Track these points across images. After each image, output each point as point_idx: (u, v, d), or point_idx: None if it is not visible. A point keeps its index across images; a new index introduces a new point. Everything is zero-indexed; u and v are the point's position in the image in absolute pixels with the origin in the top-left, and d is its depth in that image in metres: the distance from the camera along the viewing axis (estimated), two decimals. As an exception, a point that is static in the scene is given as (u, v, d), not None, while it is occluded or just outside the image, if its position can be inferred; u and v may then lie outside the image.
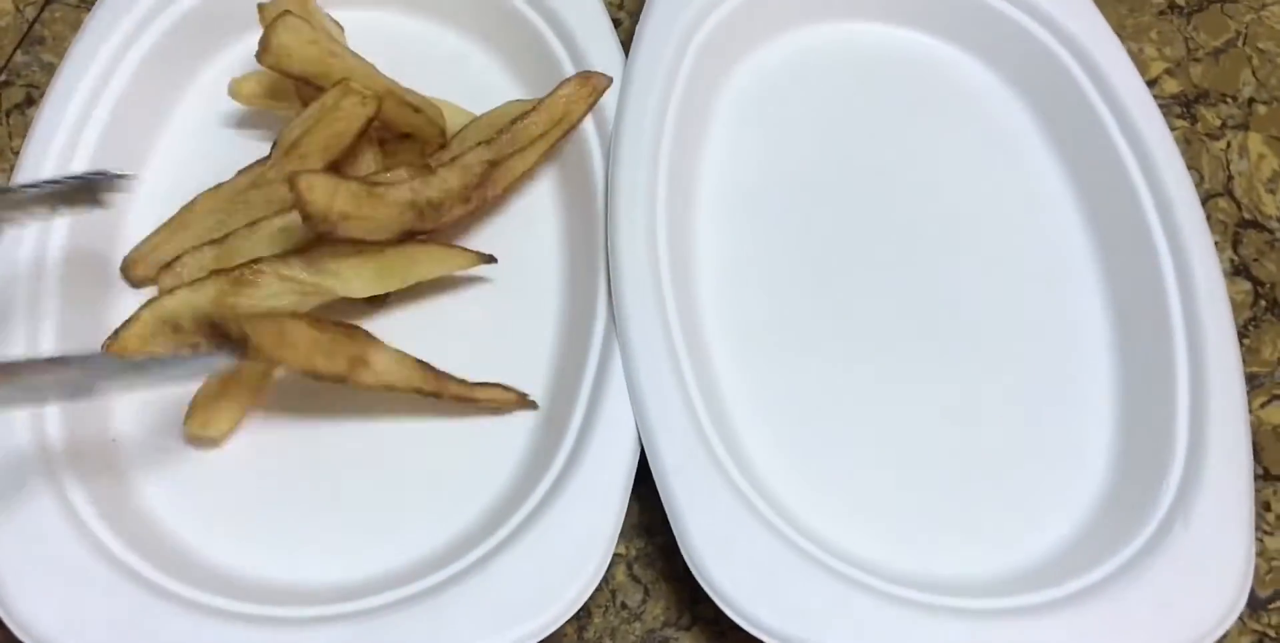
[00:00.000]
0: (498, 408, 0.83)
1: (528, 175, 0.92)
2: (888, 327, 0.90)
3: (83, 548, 0.72)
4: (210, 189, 0.88)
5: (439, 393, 0.81)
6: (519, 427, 0.83)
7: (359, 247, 0.83)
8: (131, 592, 0.71)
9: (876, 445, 0.85)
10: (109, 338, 0.80)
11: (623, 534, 0.81)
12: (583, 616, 0.80)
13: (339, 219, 0.79)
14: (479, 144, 0.88)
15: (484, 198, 0.88)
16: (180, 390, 0.81)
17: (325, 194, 0.78)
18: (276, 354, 0.74)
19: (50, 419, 0.77)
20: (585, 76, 0.92)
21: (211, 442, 0.81)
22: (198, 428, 0.80)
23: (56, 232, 0.83)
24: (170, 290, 0.81)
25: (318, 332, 0.77)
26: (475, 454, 0.82)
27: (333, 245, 0.82)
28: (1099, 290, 0.93)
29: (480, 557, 0.74)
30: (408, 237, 0.85)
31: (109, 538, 0.73)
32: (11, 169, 0.88)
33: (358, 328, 0.81)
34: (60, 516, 0.73)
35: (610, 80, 0.92)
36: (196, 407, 0.80)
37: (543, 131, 0.90)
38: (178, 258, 0.83)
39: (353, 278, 0.83)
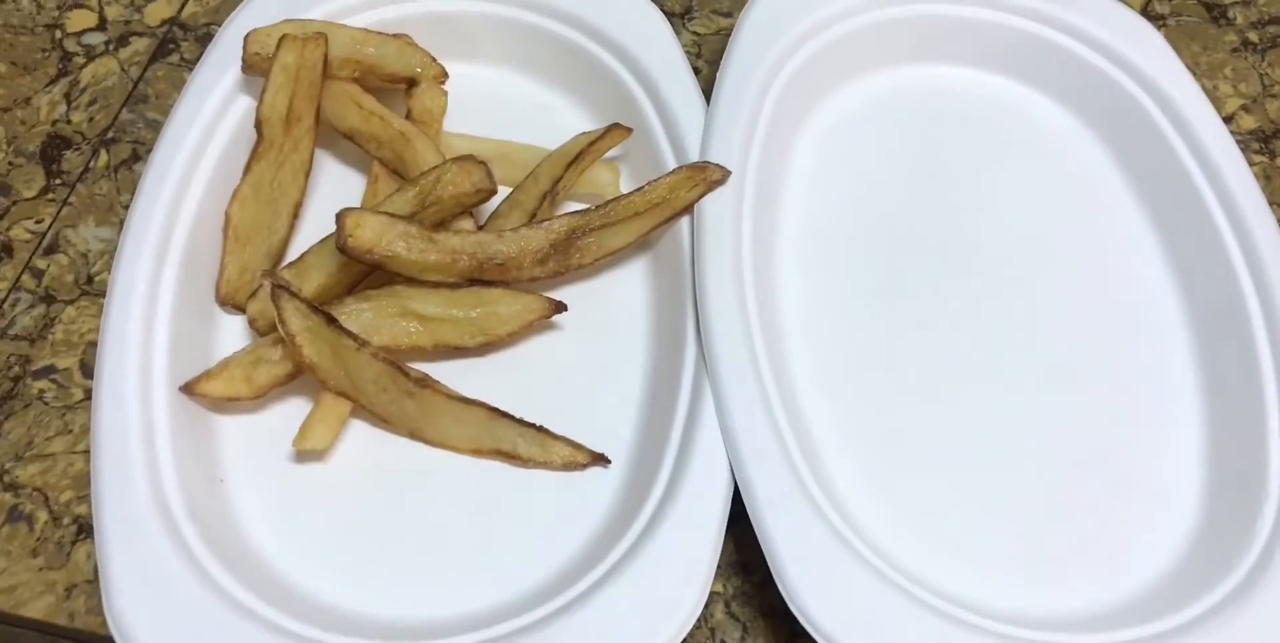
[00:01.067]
0: (570, 465, 0.85)
1: (621, 253, 0.92)
2: (973, 364, 0.91)
3: (200, 588, 0.75)
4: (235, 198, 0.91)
5: (506, 459, 0.85)
6: (613, 467, 0.85)
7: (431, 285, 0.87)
8: (247, 628, 0.74)
9: (966, 482, 0.86)
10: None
11: (720, 572, 0.83)
12: (685, 653, 0.81)
13: (384, 258, 0.83)
14: (571, 214, 0.90)
15: (567, 265, 0.90)
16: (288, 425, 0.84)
17: (374, 232, 0.83)
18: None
19: (165, 464, 0.80)
20: (700, 167, 0.91)
21: (316, 454, 0.85)
22: (301, 443, 0.83)
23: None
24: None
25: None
26: (570, 493, 0.84)
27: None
28: (1184, 327, 0.93)
29: (576, 596, 0.76)
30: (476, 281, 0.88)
31: (224, 578, 0.76)
32: (120, 223, 0.92)
33: (425, 377, 0.85)
34: (178, 558, 0.76)
35: (727, 174, 0.91)
36: (303, 426, 0.83)
37: (639, 211, 0.91)
38: (262, 287, 0.87)
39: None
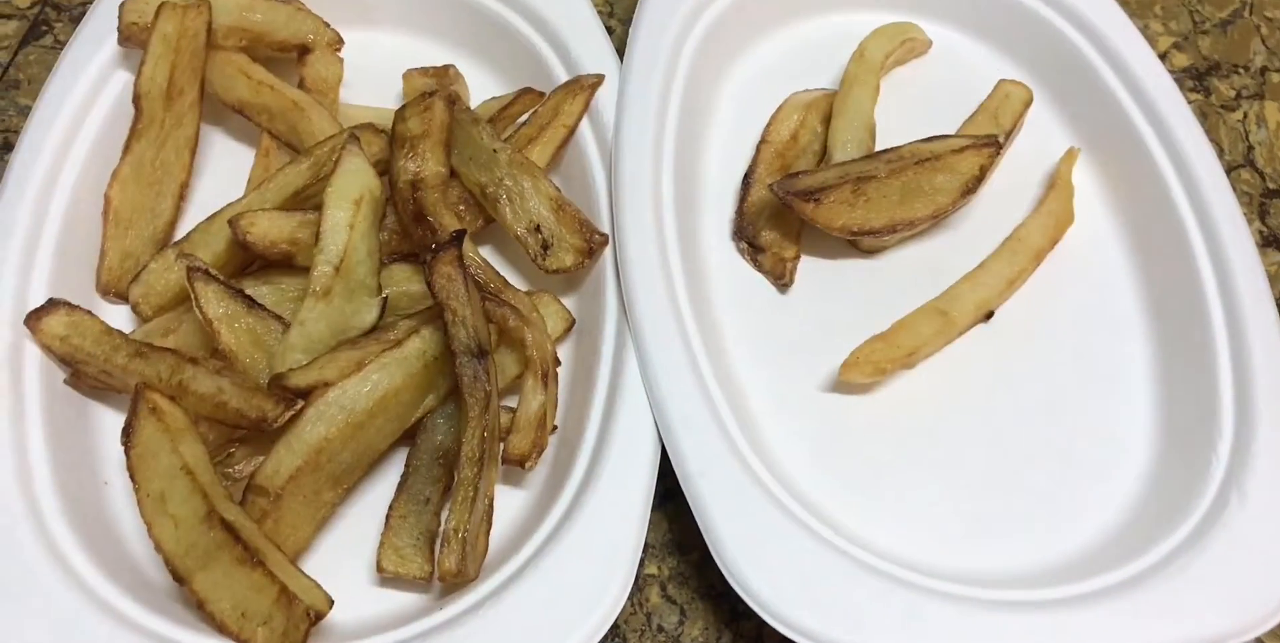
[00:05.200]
0: None
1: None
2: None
3: (73, 593, 0.69)
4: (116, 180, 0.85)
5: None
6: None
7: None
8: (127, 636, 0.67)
9: (910, 441, 0.81)
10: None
11: (654, 554, 0.78)
12: (618, 641, 0.76)
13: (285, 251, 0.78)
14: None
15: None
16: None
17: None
18: None
19: (39, 466, 0.73)
20: (574, 79, 0.90)
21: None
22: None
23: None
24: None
25: None
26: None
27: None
28: (1129, 272, 0.89)
29: (494, 588, 0.70)
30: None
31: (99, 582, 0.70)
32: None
33: None
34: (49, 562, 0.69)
35: (601, 77, 0.89)
36: None
37: (532, 137, 0.87)
38: (145, 267, 0.81)
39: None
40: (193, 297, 0.74)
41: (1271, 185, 0.98)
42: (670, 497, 0.74)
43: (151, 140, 0.85)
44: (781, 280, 0.88)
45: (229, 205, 0.82)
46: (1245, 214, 0.92)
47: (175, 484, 0.68)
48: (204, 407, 0.71)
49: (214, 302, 0.74)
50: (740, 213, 0.90)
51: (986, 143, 0.86)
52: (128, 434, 0.70)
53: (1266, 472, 0.75)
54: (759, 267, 0.89)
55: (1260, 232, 0.96)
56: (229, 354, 0.74)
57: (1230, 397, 0.79)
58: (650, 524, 0.73)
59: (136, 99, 0.85)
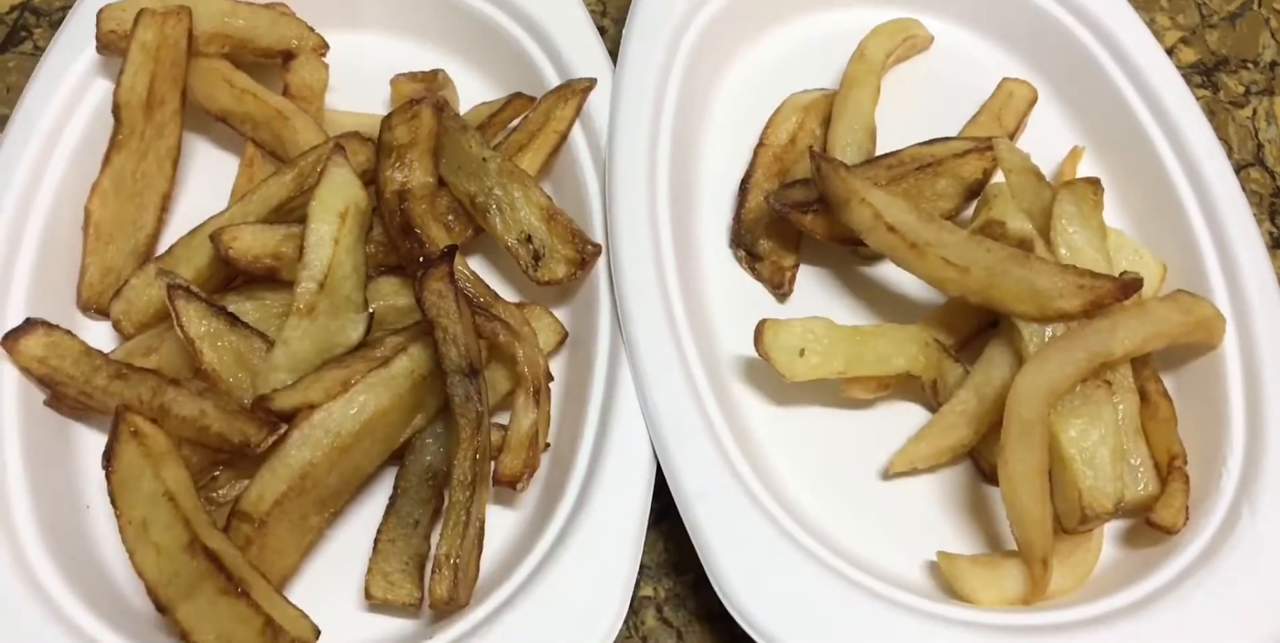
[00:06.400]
0: None
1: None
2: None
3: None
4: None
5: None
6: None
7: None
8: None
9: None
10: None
11: (650, 575, 0.76)
12: (615, 665, 0.74)
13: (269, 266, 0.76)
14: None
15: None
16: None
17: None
18: None
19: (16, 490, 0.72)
20: (566, 84, 0.87)
21: None
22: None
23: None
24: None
25: None
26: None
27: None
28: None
29: (487, 614, 0.68)
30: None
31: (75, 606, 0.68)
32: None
33: None
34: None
35: (593, 81, 0.87)
36: None
37: (524, 144, 0.85)
38: (126, 283, 0.79)
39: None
40: (173, 315, 0.72)
41: (1282, 184, 0.96)
42: (666, 515, 0.72)
43: (132, 151, 0.83)
44: (780, 289, 0.86)
45: (211, 218, 0.80)
46: (1255, 214, 0.89)
47: (157, 511, 0.66)
48: (186, 430, 0.70)
49: (195, 320, 0.72)
50: (738, 220, 0.88)
51: (989, 146, 0.84)
52: (108, 459, 0.68)
53: (1276, 489, 0.73)
54: (757, 275, 0.86)
55: (1270, 232, 0.93)
56: (212, 374, 0.73)
57: (1241, 407, 0.77)
58: (645, 544, 0.71)
59: (116, 109, 0.83)
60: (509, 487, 0.72)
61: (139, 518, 0.66)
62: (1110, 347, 0.73)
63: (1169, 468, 0.75)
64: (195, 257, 0.78)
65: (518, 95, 0.90)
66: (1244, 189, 0.88)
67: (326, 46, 0.90)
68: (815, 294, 0.86)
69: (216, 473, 0.72)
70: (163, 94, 0.84)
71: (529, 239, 0.81)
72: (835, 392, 0.79)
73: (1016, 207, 0.80)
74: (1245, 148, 0.98)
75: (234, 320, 0.74)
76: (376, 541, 0.71)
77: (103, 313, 0.80)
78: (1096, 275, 0.74)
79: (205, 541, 0.65)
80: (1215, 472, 0.75)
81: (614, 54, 0.90)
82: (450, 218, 0.83)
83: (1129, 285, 0.74)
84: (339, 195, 0.76)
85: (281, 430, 0.68)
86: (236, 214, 0.80)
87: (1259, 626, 0.69)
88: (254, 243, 0.76)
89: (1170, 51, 1.02)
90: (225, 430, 0.68)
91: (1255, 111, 1.00)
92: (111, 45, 0.85)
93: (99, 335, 0.80)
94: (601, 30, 0.99)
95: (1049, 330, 0.74)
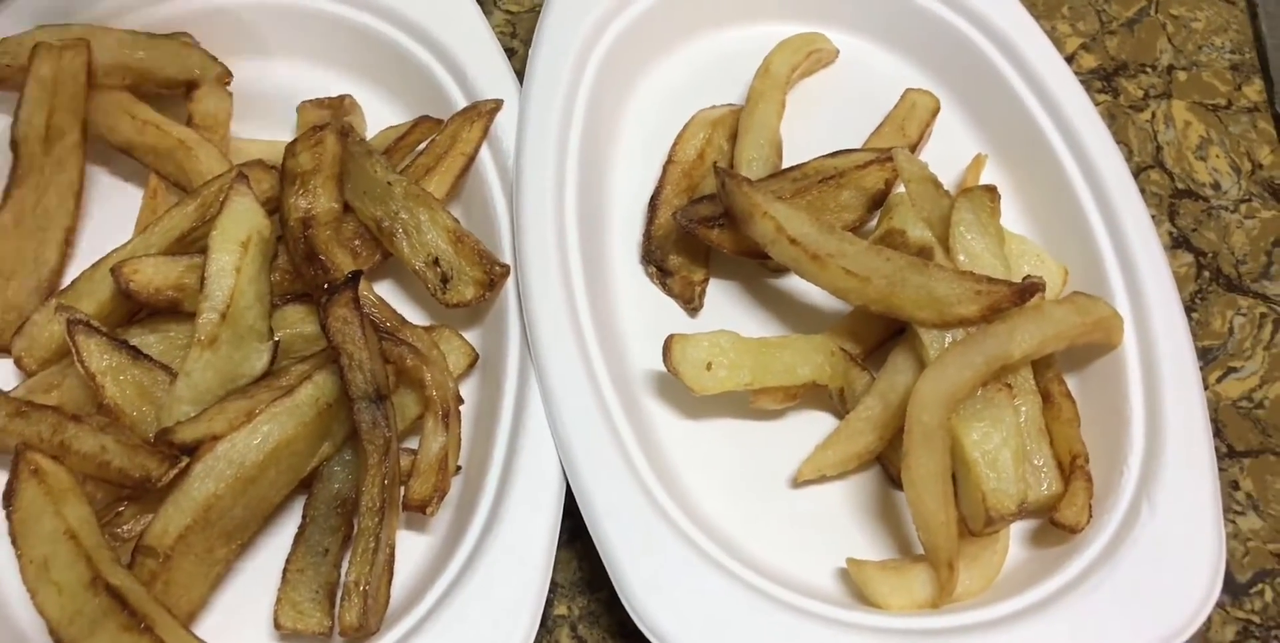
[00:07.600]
0: None
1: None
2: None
3: None
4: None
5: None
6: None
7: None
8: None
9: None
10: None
11: (564, 593, 0.76)
12: (530, 685, 0.74)
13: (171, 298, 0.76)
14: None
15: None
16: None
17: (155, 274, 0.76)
18: None
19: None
20: (471, 106, 0.88)
21: None
22: None
23: None
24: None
25: None
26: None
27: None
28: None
29: (397, 640, 0.68)
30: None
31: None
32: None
33: None
34: None
35: (499, 102, 0.88)
36: None
37: (430, 167, 0.85)
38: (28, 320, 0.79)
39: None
40: (74, 351, 0.72)
41: (1180, 186, 0.98)
42: (579, 535, 0.72)
43: (32, 187, 0.82)
44: (691, 304, 0.86)
45: (113, 251, 0.80)
46: (1155, 215, 0.92)
47: (59, 549, 0.65)
48: (88, 466, 0.69)
49: (96, 355, 0.72)
50: (648, 236, 0.89)
51: (890, 157, 0.85)
52: (8, 498, 0.67)
53: (1175, 482, 0.74)
54: (668, 290, 0.87)
55: (1170, 232, 0.95)
56: (115, 409, 0.72)
57: (1141, 405, 0.78)
58: (559, 563, 0.72)
59: (14, 144, 0.82)
60: (419, 511, 0.72)
61: (40, 557, 0.66)
62: (1008, 350, 0.74)
63: (1071, 468, 0.76)
64: (97, 290, 0.77)
65: (424, 118, 0.91)
66: (1144, 191, 0.90)
67: (230, 76, 0.90)
68: (726, 308, 0.87)
69: (121, 509, 0.71)
70: (62, 128, 0.83)
71: (436, 262, 0.81)
72: (745, 404, 0.80)
73: (916, 215, 0.82)
74: (1145, 150, 1.00)
75: (137, 354, 0.73)
76: (285, 570, 0.71)
77: (4, 350, 0.79)
78: (993, 281, 0.76)
79: (108, 577, 0.64)
80: (1117, 470, 0.76)
81: (522, 75, 0.90)
82: (357, 243, 0.83)
83: (1026, 290, 0.75)
84: (241, 224, 0.76)
85: (183, 464, 0.68)
86: (138, 246, 0.79)
87: (1161, 619, 0.70)
88: (155, 275, 0.76)
89: (1071, 58, 1.04)
90: (126, 466, 0.68)
91: (1154, 115, 1.02)
92: (8, 80, 0.85)
93: (2, 373, 0.79)
94: (511, 51, 0.99)
95: (949, 336, 0.76)
